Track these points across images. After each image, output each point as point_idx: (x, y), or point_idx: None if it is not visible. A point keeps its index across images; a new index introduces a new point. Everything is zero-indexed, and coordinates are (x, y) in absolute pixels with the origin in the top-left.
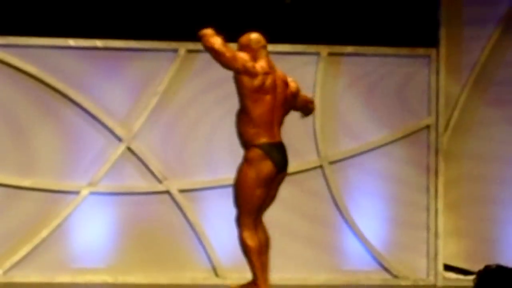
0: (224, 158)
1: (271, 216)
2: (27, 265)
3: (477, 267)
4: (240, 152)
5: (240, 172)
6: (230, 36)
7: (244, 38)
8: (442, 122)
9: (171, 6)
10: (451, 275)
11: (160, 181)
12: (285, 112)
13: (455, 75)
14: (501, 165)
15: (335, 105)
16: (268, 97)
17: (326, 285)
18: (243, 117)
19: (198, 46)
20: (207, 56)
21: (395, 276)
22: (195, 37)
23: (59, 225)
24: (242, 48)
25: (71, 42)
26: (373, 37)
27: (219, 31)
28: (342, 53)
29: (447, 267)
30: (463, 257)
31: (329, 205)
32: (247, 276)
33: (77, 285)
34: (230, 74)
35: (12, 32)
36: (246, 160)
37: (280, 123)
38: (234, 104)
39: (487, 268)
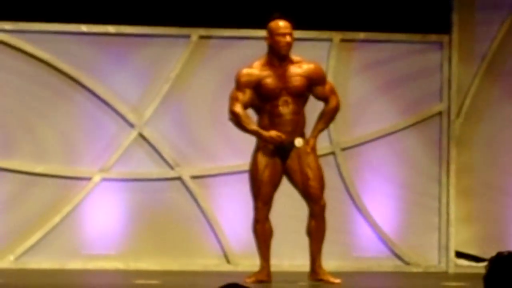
0: (236, 145)
1: (282, 203)
2: (38, 251)
3: (489, 254)
4: (252, 138)
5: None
6: (241, 21)
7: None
8: (454, 108)
9: None
10: (463, 262)
11: (172, 168)
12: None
13: (468, 61)
14: None
15: (347, 91)
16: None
17: (337, 271)
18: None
19: (210, 32)
20: (219, 42)
21: (407, 263)
22: (207, 23)
23: (71, 211)
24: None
25: (84, 28)
26: (385, 23)
27: (231, 18)
28: (354, 40)
29: (459, 254)
30: (475, 244)
31: (341, 191)
32: (258, 262)
33: (88, 272)
34: (242, 61)
35: (24, 17)
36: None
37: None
38: None
39: (499, 255)
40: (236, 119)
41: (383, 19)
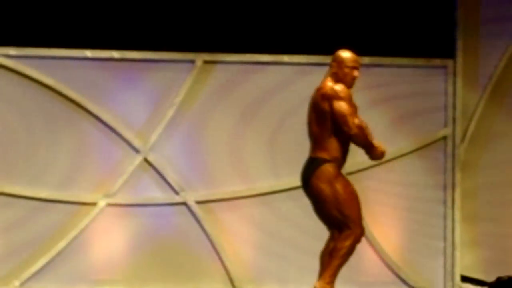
0: (241, 170)
1: (287, 228)
2: (44, 276)
3: (494, 278)
4: (257, 164)
5: None
6: (246, 46)
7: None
8: (459, 133)
9: (187, 17)
10: (468, 286)
11: (177, 193)
12: (319, 127)
13: (472, 86)
14: None
15: None
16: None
17: None
18: None
19: (215, 57)
20: (223, 67)
21: None
22: (212, 48)
23: (76, 237)
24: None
25: (88, 53)
26: (389, 48)
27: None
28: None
29: (464, 278)
30: (480, 268)
31: None
32: (264, 287)
33: None
34: (246, 86)
35: (29, 43)
36: None
37: (314, 138)
38: (250, 115)
39: (499, 280)
40: (362, 132)
41: (388, 43)
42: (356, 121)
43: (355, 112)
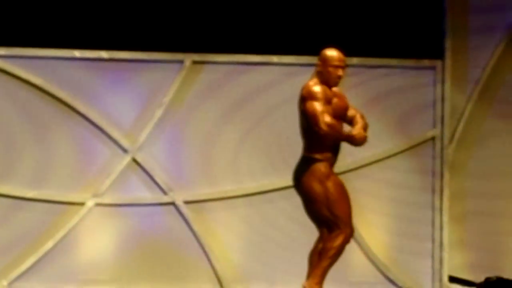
0: (230, 170)
1: (275, 228)
2: (32, 276)
3: (482, 279)
4: (245, 164)
5: None
6: (234, 47)
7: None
8: (447, 133)
9: (177, 17)
10: (456, 286)
11: (165, 193)
12: (305, 127)
13: (461, 86)
14: (506, 177)
15: None
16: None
17: None
18: None
19: (204, 57)
20: (212, 67)
21: None
22: (201, 49)
23: (64, 237)
24: None
25: (77, 53)
26: (378, 49)
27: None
28: (347, 65)
29: (452, 279)
30: (468, 269)
31: None
32: (252, 287)
33: None
34: (235, 86)
35: (18, 43)
36: None
37: (305, 137)
38: (239, 115)
39: (488, 280)
40: (332, 130)
41: (376, 44)
42: (327, 119)
43: (329, 111)
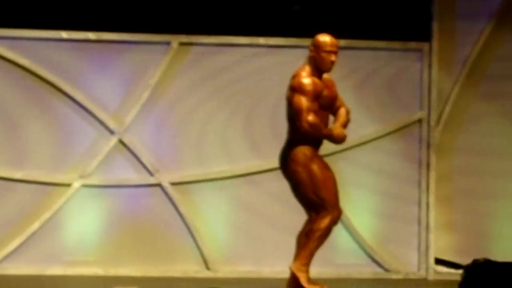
0: (216, 152)
1: (261, 210)
2: (18, 257)
3: (468, 261)
4: (232, 145)
5: None
6: (222, 28)
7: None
8: (434, 116)
9: None
10: (442, 268)
11: (151, 174)
12: (290, 113)
13: (448, 69)
14: (493, 159)
15: None
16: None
17: (317, 278)
18: None
19: (191, 39)
20: (199, 49)
21: (386, 270)
22: (188, 30)
23: (50, 218)
24: None
25: (64, 34)
26: (365, 31)
27: (211, 25)
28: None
29: (438, 261)
30: (454, 251)
31: None
32: (238, 269)
33: (68, 278)
34: (222, 67)
35: (4, 24)
36: None
37: (289, 122)
38: (226, 97)
39: (475, 262)
40: (315, 129)
41: (364, 26)
42: (310, 118)
43: (315, 107)
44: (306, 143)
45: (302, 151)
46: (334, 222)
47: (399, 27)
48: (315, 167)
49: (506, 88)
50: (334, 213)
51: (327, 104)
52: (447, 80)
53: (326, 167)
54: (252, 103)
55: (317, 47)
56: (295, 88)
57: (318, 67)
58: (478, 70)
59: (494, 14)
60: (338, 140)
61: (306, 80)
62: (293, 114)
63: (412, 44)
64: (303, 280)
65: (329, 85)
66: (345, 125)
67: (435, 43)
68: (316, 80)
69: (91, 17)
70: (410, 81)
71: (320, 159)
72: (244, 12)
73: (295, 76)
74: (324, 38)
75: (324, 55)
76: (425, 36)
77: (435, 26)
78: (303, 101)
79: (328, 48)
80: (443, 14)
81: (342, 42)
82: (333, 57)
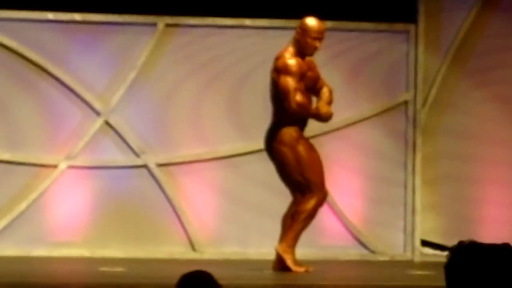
0: (202, 133)
1: (247, 191)
2: (4, 238)
3: (454, 243)
4: (218, 127)
5: None
6: (208, 10)
7: None
8: (420, 97)
9: None
10: (428, 250)
11: (138, 155)
12: (274, 95)
13: (434, 50)
14: (479, 141)
15: None
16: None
17: (303, 260)
18: None
19: (177, 20)
20: (185, 30)
21: (372, 252)
22: (174, 11)
23: (36, 199)
24: None
25: (50, 15)
26: (352, 12)
27: (198, 6)
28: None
29: (424, 243)
30: (440, 233)
31: None
32: (224, 250)
33: (54, 259)
34: (208, 49)
35: None
36: None
37: (275, 102)
38: (212, 79)
39: (461, 244)
40: (302, 109)
41: (350, 7)
42: (298, 98)
43: (301, 87)
44: (292, 124)
45: (289, 132)
46: (319, 204)
47: (385, 8)
48: (301, 148)
49: (493, 70)
50: (319, 195)
51: (310, 85)
52: (433, 62)
53: (312, 149)
54: (238, 84)
55: (304, 31)
56: (280, 69)
57: (301, 50)
58: (464, 51)
59: None
60: (325, 118)
61: (291, 61)
62: (281, 95)
63: (399, 26)
64: (289, 262)
65: (312, 67)
66: (329, 103)
67: (421, 25)
68: (300, 61)
69: None
70: (396, 62)
71: (306, 140)
72: None
73: (279, 57)
74: (313, 23)
75: (309, 40)
76: (411, 17)
77: (421, 7)
78: (290, 82)
79: (315, 35)
80: None
81: (329, 24)
82: (317, 44)
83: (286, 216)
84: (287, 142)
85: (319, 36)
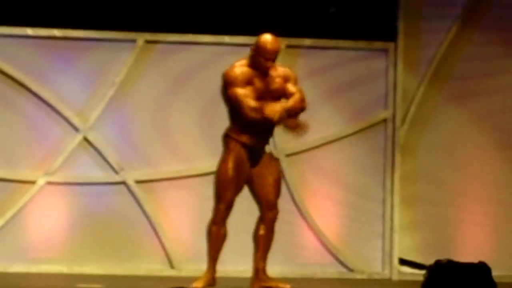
0: (181, 150)
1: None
2: None
3: (433, 261)
4: (197, 144)
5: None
6: (187, 26)
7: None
8: (399, 116)
9: None
10: (406, 269)
11: (116, 172)
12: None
13: (413, 69)
14: (457, 160)
15: None
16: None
17: (281, 277)
18: None
19: (156, 37)
20: (165, 47)
21: (351, 270)
22: (154, 28)
23: (14, 215)
24: None
25: (29, 31)
26: (331, 30)
27: (177, 23)
28: (300, 46)
29: (402, 261)
30: (419, 252)
31: (285, 198)
32: (202, 267)
33: (32, 275)
34: (187, 66)
35: None
36: None
37: (229, 119)
38: (191, 95)
39: (438, 263)
40: (257, 112)
41: (329, 25)
42: (251, 103)
43: (251, 92)
44: (233, 139)
45: (229, 141)
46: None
47: (364, 26)
48: (222, 164)
49: (472, 88)
50: (268, 215)
51: (276, 94)
52: (412, 80)
53: (238, 165)
54: (217, 101)
55: (257, 49)
56: (225, 84)
57: (255, 67)
58: (443, 70)
59: (459, 14)
60: (270, 117)
61: (231, 71)
62: (236, 107)
63: (378, 44)
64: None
65: (274, 76)
66: (293, 110)
67: (400, 43)
68: (244, 69)
69: (56, 14)
70: (375, 80)
71: (235, 156)
72: (209, 10)
73: (223, 74)
74: (265, 44)
75: (261, 60)
76: (390, 35)
77: (400, 25)
78: (238, 91)
79: (266, 56)
80: (408, 14)
81: (308, 42)
82: (269, 64)
83: (254, 234)
84: (224, 151)
85: (271, 57)
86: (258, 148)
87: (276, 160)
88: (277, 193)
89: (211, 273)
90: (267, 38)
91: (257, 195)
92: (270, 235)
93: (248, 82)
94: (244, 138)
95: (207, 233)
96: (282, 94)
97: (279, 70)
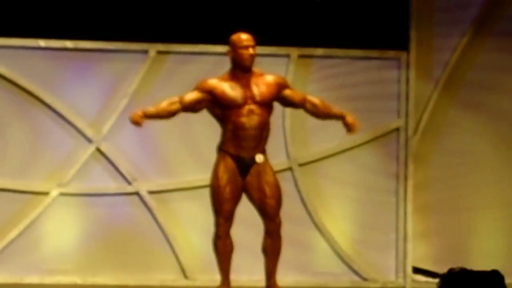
0: (194, 160)
1: (238, 218)
2: None
3: (446, 270)
4: (210, 154)
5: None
6: (199, 37)
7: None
8: (411, 125)
9: (141, 7)
10: (420, 277)
11: (129, 183)
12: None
13: (425, 78)
14: (470, 168)
15: None
16: (235, 100)
17: (294, 287)
18: None
19: (168, 47)
20: (177, 58)
21: (364, 279)
22: (166, 38)
23: (28, 226)
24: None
25: (41, 42)
26: (343, 40)
27: (189, 33)
28: (312, 55)
29: (416, 270)
30: (432, 260)
31: (298, 207)
32: (216, 277)
33: (46, 286)
34: (199, 77)
35: None
36: None
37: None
38: None
39: (451, 271)
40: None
41: (341, 35)
42: (163, 104)
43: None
44: (221, 149)
45: (217, 157)
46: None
47: (376, 35)
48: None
49: (484, 97)
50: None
51: (235, 99)
52: (425, 89)
53: (230, 177)
54: None
55: (233, 46)
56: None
57: (239, 66)
58: (456, 78)
59: (472, 22)
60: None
61: (202, 80)
62: None
63: (390, 53)
64: None
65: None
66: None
67: (413, 52)
68: (219, 79)
69: (68, 25)
70: (387, 89)
71: (226, 168)
72: (221, 21)
73: None
74: (238, 36)
75: (241, 51)
76: (402, 44)
77: (412, 34)
78: (188, 93)
79: (244, 43)
80: (420, 23)
81: (320, 51)
82: (250, 51)
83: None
84: (214, 163)
85: (249, 43)
86: (247, 159)
87: (270, 167)
88: (277, 202)
89: (226, 285)
90: (237, 33)
91: (256, 208)
92: (276, 246)
93: (209, 91)
94: (232, 149)
95: (213, 249)
96: (270, 99)
97: (267, 77)
